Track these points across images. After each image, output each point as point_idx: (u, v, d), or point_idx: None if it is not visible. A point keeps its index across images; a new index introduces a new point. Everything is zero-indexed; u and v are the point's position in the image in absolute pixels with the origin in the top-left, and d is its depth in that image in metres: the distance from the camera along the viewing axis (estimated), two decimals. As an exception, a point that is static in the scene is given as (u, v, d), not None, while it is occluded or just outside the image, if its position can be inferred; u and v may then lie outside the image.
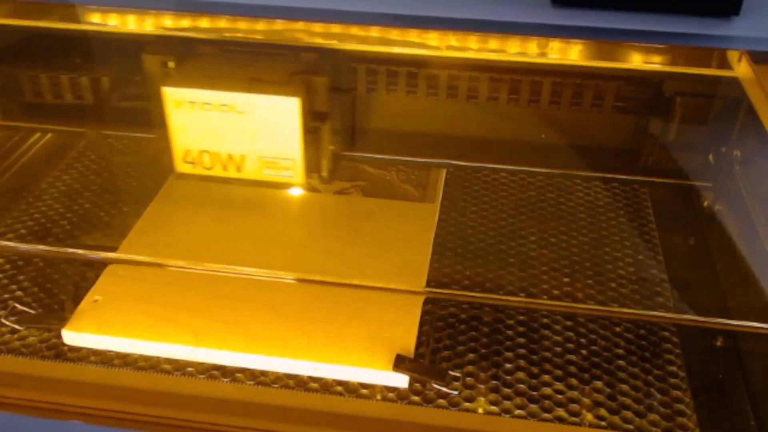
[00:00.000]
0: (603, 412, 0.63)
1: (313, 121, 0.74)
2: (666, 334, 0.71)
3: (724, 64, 0.79)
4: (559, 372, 0.66)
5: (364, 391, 0.64)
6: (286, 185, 0.79)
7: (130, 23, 0.80)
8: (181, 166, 0.75)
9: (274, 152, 0.72)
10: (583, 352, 0.68)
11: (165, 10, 0.78)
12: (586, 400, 0.64)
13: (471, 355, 0.68)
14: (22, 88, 0.90)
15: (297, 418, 0.60)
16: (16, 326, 0.69)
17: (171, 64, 0.75)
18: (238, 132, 0.72)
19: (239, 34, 0.77)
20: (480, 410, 0.63)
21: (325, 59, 0.77)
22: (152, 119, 0.77)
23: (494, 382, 0.65)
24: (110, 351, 0.67)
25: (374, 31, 0.78)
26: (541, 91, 0.83)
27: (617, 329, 0.71)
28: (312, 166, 0.75)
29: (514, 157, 0.90)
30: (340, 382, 0.65)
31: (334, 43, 0.78)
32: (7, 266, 0.77)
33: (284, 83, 0.72)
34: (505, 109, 0.84)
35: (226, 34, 0.77)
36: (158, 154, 0.80)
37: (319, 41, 0.77)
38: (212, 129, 0.72)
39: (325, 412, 0.60)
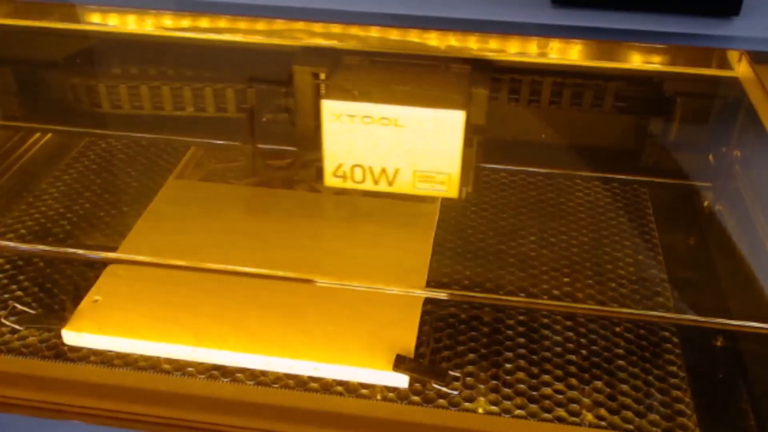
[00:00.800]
0: (603, 412, 0.63)
1: (470, 135, 0.72)
2: (666, 334, 0.71)
3: (724, 64, 0.79)
4: (559, 372, 0.66)
5: (364, 391, 0.64)
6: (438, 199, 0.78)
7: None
8: (330, 180, 0.73)
9: (431, 166, 0.70)
10: (583, 352, 0.68)
11: (165, 10, 0.78)
12: (586, 400, 0.64)
13: (471, 355, 0.68)
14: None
15: (297, 418, 0.60)
16: (16, 326, 0.69)
17: (322, 76, 0.72)
18: (395, 145, 0.70)
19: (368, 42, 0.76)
20: (480, 410, 0.63)
21: (479, 70, 0.75)
22: (298, 132, 0.76)
23: (494, 382, 0.65)
24: (110, 351, 0.67)
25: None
26: (541, 91, 0.83)
27: (617, 329, 0.71)
28: (464, 180, 0.73)
29: (514, 157, 0.89)
30: (340, 382, 0.65)
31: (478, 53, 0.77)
32: (7, 266, 0.77)
33: (447, 96, 0.70)
34: (505, 109, 0.84)
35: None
36: (302, 166, 0.78)
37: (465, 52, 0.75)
38: (368, 143, 0.70)
39: (325, 412, 0.60)
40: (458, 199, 0.72)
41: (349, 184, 0.73)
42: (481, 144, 0.73)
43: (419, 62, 0.75)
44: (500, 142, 0.89)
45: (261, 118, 0.79)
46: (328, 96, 0.70)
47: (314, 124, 0.73)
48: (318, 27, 0.76)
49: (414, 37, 0.76)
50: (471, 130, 0.71)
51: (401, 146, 0.70)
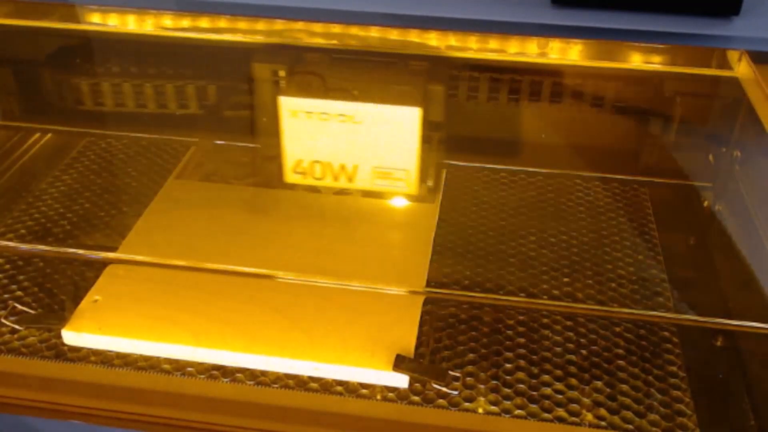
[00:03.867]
0: (603, 412, 0.63)
1: (428, 131, 0.72)
2: (666, 334, 0.71)
3: (724, 64, 0.79)
4: (559, 372, 0.66)
5: (364, 391, 0.64)
6: (398, 196, 0.78)
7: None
8: (290, 177, 0.73)
9: (389, 162, 0.71)
10: (583, 352, 0.68)
11: (165, 10, 0.78)
12: (586, 400, 0.64)
13: (471, 355, 0.68)
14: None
15: (297, 418, 0.60)
16: (16, 326, 0.69)
17: (282, 73, 0.73)
18: (353, 142, 0.71)
19: (334, 41, 0.76)
20: (480, 410, 0.63)
21: (437, 67, 0.76)
22: (259, 128, 0.76)
23: (494, 382, 0.65)
24: (110, 351, 0.67)
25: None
26: (541, 91, 0.83)
27: (617, 329, 0.71)
28: (423, 177, 0.73)
29: (514, 157, 0.90)
30: (340, 382, 0.65)
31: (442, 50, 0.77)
32: (7, 266, 0.77)
33: (403, 93, 0.71)
34: (505, 109, 0.84)
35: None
36: (264, 163, 0.78)
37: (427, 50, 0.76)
38: (327, 139, 0.71)
39: (325, 412, 0.60)
40: (418, 195, 0.72)
41: (309, 181, 0.73)
42: (442, 141, 0.73)
43: (379, 60, 0.75)
44: (500, 142, 0.89)
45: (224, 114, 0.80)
46: (285, 93, 0.70)
47: (275, 121, 0.73)
48: (280, 24, 0.77)
49: (375, 33, 0.76)
50: (428, 127, 0.71)
51: (359, 143, 0.70)
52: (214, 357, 0.66)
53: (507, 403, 0.63)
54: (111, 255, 0.75)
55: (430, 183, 0.74)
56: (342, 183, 0.73)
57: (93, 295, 0.70)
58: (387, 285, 0.72)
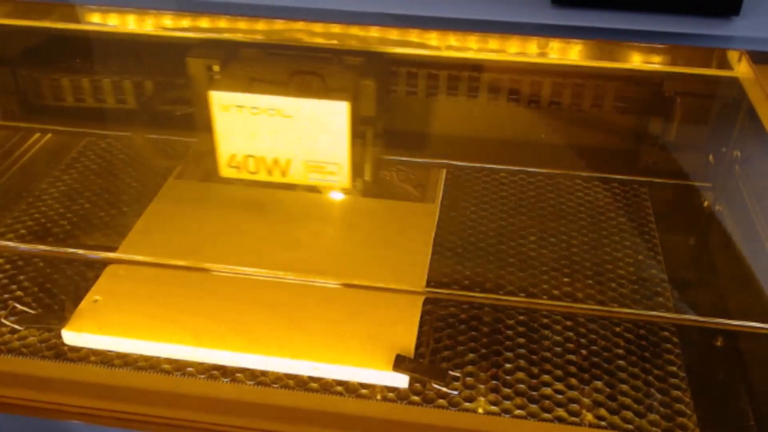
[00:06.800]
0: (603, 412, 0.63)
1: (359, 125, 0.73)
2: (666, 334, 0.71)
3: (724, 64, 0.79)
4: (559, 372, 0.66)
5: (364, 391, 0.64)
6: (332, 189, 0.78)
7: (137, 24, 0.79)
8: (225, 171, 0.74)
9: (321, 156, 0.71)
10: (583, 352, 0.68)
11: (165, 10, 0.78)
12: (586, 400, 0.64)
13: (471, 355, 0.68)
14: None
15: (297, 418, 0.60)
16: (16, 326, 0.69)
17: (216, 68, 0.73)
18: (285, 136, 0.71)
19: (274, 36, 0.76)
20: (480, 410, 0.63)
21: (370, 62, 0.76)
22: (194, 123, 0.77)
23: (494, 382, 0.65)
24: (110, 351, 0.67)
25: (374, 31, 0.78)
26: (541, 91, 0.83)
27: (617, 329, 0.71)
28: (357, 171, 0.74)
29: (514, 157, 0.89)
30: (340, 382, 0.65)
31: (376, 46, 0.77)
32: (7, 266, 0.77)
33: (333, 87, 0.71)
34: (505, 109, 0.84)
35: (256, 36, 0.76)
36: (200, 157, 0.79)
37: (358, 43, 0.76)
38: (259, 133, 0.71)
39: (325, 412, 0.60)
40: (353, 190, 0.73)
41: (244, 175, 0.74)
42: (377, 135, 0.74)
43: (314, 54, 0.75)
44: (500, 142, 0.89)
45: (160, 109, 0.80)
46: (216, 87, 0.70)
47: (209, 116, 0.74)
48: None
49: (318, 29, 0.76)
50: (359, 122, 0.72)
51: (291, 137, 0.71)
52: (214, 357, 0.66)
53: (507, 403, 0.63)
54: (111, 255, 0.75)
55: (366, 178, 0.75)
56: (276, 177, 0.73)
57: (93, 295, 0.70)
58: (387, 285, 0.72)
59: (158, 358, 0.66)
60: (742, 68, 0.77)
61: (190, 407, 0.60)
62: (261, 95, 0.70)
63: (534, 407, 0.63)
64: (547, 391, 0.64)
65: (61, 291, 0.74)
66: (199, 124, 0.76)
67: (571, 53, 0.80)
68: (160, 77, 0.87)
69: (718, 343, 0.71)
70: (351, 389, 0.64)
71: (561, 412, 0.63)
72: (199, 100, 0.74)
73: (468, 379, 0.65)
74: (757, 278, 0.71)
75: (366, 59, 0.75)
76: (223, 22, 0.79)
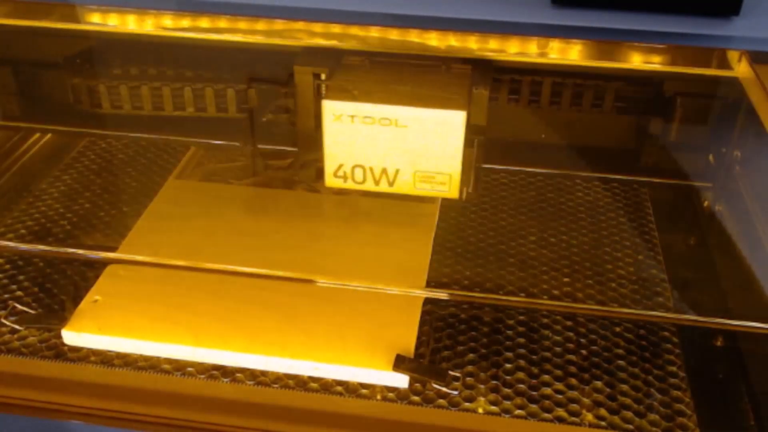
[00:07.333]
0: (603, 412, 0.63)
1: (470, 135, 0.72)
2: (666, 334, 0.71)
3: (724, 64, 0.79)
4: (559, 372, 0.66)
5: (364, 391, 0.64)
6: (438, 199, 0.78)
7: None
8: (330, 181, 0.73)
9: (432, 166, 0.70)
10: (583, 352, 0.68)
11: (165, 10, 0.78)
12: (586, 400, 0.64)
13: (471, 355, 0.68)
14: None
15: (297, 418, 0.60)
16: (16, 326, 0.69)
17: (323, 76, 0.72)
18: (396, 146, 0.70)
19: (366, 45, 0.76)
20: (480, 410, 0.63)
21: (480, 70, 0.75)
22: (299, 132, 0.76)
23: (494, 382, 0.65)
24: (110, 351, 0.67)
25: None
26: (541, 91, 0.83)
27: (617, 329, 0.71)
28: (465, 181, 0.72)
29: (515, 157, 0.89)
30: (340, 382, 0.65)
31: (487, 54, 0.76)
32: (7, 266, 0.77)
33: (448, 97, 0.70)
34: (505, 109, 0.84)
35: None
36: (302, 167, 0.78)
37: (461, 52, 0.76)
38: (369, 143, 0.70)
39: (325, 412, 0.60)
40: (459, 200, 0.72)
41: (350, 185, 0.73)
42: (482, 144, 0.73)
43: (420, 62, 0.75)
44: (500, 142, 0.89)
45: (261, 118, 0.79)
46: (328, 96, 0.70)
47: (315, 125, 0.73)
48: (318, 27, 0.76)
49: (414, 37, 0.76)
50: (471, 131, 0.71)
51: (402, 147, 0.70)
52: (214, 357, 0.66)
53: (507, 403, 0.63)
54: (111, 255, 0.75)
55: (469, 188, 0.74)
56: (383, 187, 0.73)
57: (93, 295, 0.70)
58: (387, 285, 0.72)
59: (158, 358, 0.66)
60: (742, 68, 0.77)
61: (190, 407, 0.60)
62: (376, 105, 0.68)
63: (534, 407, 0.63)
64: (547, 391, 0.64)
65: (61, 291, 0.74)
66: (301, 133, 0.75)
67: (571, 53, 0.80)
68: (160, 78, 0.87)
69: (718, 343, 0.71)
70: (351, 389, 0.64)
71: (561, 412, 0.63)
72: (306, 109, 0.73)
73: (468, 379, 0.65)
74: (757, 278, 0.71)
75: (473, 67, 0.75)
76: (223, 22, 0.79)
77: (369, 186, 0.72)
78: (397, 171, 0.71)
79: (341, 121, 0.69)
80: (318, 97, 0.72)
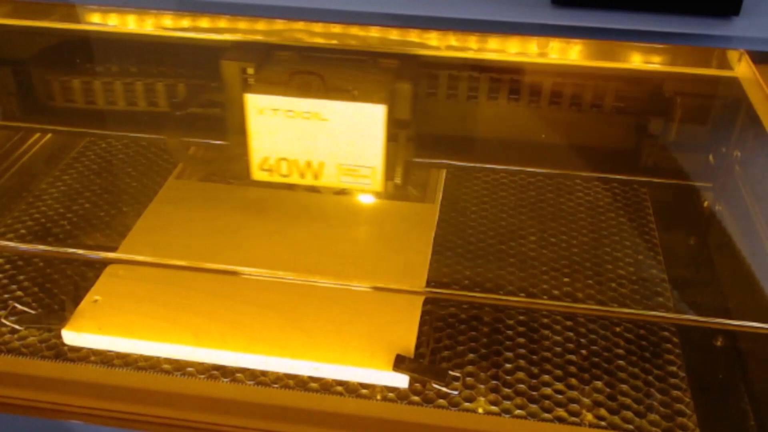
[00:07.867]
0: (603, 412, 0.63)
1: (393, 129, 0.73)
2: (666, 334, 0.71)
3: (724, 64, 0.79)
4: (559, 372, 0.66)
5: (364, 391, 0.64)
6: (364, 193, 0.79)
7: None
8: (257, 174, 0.74)
9: (355, 160, 0.71)
10: (583, 352, 0.68)
11: (165, 9, 0.78)
12: (586, 400, 0.64)
13: (471, 355, 0.68)
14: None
15: (297, 418, 0.60)
16: (16, 326, 0.69)
17: (250, 71, 0.73)
18: (320, 139, 0.71)
19: (305, 38, 0.76)
20: (480, 410, 0.63)
21: (405, 65, 0.76)
22: (226, 126, 0.77)
23: (494, 382, 0.65)
24: (110, 351, 0.67)
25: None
26: (541, 91, 0.83)
27: (617, 329, 0.71)
28: (389, 174, 0.74)
29: (514, 157, 0.89)
30: (340, 382, 0.65)
31: (413, 49, 0.77)
32: (7, 266, 0.77)
33: (369, 90, 0.71)
34: (505, 109, 0.84)
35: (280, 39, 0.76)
36: (230, 161, 0.79)
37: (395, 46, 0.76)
38: (292, 136, 0.71)
39: (325, 412, 0.60)
40: (384, 193, 0.73)
41: (275, 178, 0.74)
42: (411, 138, 0.74)
43: (348, 57, 0.75)
44: (500, 142, 0.89)
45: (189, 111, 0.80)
46: (252, 90, 0.70)
47: (242, 119, 0.74)
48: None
49: (355, 31, 0.76)
50: (395, 125, 0.72)
51: (325, 140, 0.71)
52: (214, 357, 0.66)
53: (507, 403, 0.63)
54: (111, 255, 0.75)
55: (398, 181, 0.75)
56: (308, 180, 0.73)
57: (93, 295, 0.70)
58: (387, 285, 0.72)
59: (158, 358, 0.66)
60: (742, 68, 0.77)
61: (190, 407, 0.60)
62: (298, 99, 0.70)
63: (534, 407, 0.63)
64: (547, 391, 0.64)
65: (61, 291, 0.74)
66: (230, 126, 0.75)
67: (571, 53, 0.80)
68: (160, 78, 0.87)
69: (718, 343, 0.71)
70: (351, 389, 0.64)
71: (561, 412, 0.63)
72: (234, 103, 0.74)
73: (468, 379, 0.65)
74: (757, 278, 0.71)
75: (399, 62, 0.75)
76: (223, 22, 0.79)
77: (295, 179, 0.74)
78: (322, 164, 0.72)
79: (265, 114, 0.70)
80: (245, 92, 0.73)
